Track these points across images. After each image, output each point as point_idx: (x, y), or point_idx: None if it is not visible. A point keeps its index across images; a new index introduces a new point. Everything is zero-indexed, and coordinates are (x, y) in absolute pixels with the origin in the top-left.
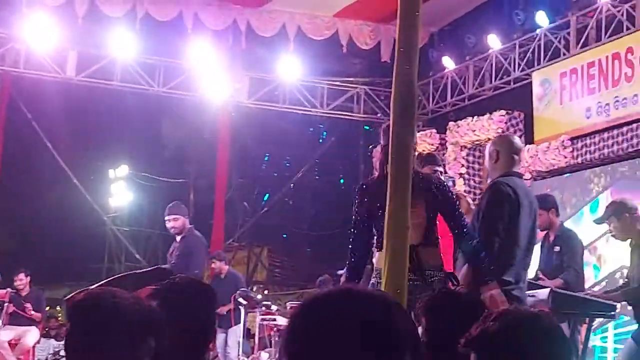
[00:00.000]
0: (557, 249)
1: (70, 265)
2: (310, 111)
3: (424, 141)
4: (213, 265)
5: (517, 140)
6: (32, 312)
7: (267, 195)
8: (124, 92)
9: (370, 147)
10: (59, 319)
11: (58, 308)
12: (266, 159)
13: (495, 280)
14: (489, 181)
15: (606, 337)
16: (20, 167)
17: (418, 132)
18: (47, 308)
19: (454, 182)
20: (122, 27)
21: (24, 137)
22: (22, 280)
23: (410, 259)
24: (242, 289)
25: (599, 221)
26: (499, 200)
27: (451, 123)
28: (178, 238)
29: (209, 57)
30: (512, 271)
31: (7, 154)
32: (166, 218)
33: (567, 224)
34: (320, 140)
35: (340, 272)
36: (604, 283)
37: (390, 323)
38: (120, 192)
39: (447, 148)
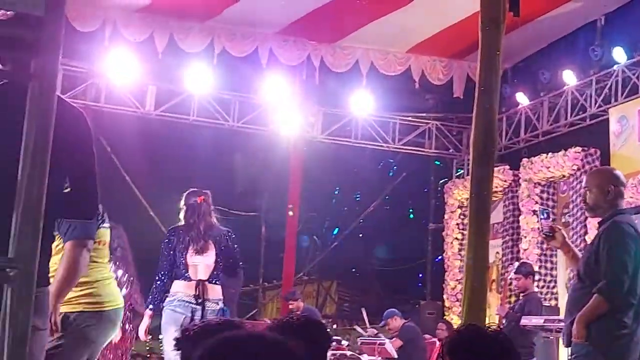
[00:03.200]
0: None
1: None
2: (382, 146)
3: (497, 177)
4: (291, 306)
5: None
6: None
7: (337, 229)
8: (199, 127)
9: (441, 182)
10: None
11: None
12: (336, 193)
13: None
14: (597, 218)
15: None
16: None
17: None
18: None
19: (547, 214)
20: (200, 63)
21: (103, 170)
22: None
23: None
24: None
25: None
26: (625, 240)
27: (524, 159)
28: None
29: (282, 92)
30: (634, 308)
31: None
32: None
33: None
34: (391, 175)
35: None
36: None
37: None
38: None
39: (520, 185)
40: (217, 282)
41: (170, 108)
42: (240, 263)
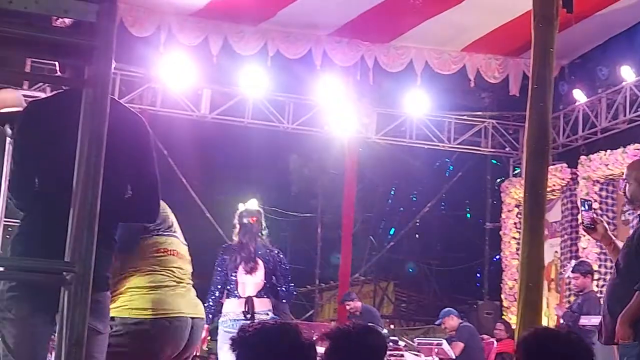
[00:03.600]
0: None
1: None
2: (437, 146)
3: (554, 175)
4: (348, 307)
5: None
6: None
7: (393, 229)
8: (254, 129)
9: (498, 181)
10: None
11: None
12: (392, 193)
13: None
14: (634, 213)
15: None
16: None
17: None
18: None
19: (589, 205)
20: (254, 65)
21: (160, 173)
22: None
23: None
24: (370, 324)
25: None
26: None
27: (583, 157)
28: None
29: (337, 93)
30: None
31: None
32: None
33: None
34: (447, 175)
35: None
36: None
37: None
38: None
39: (578, 183)
40: (265, 296)
41: (225, 111)
42: (290, 279)
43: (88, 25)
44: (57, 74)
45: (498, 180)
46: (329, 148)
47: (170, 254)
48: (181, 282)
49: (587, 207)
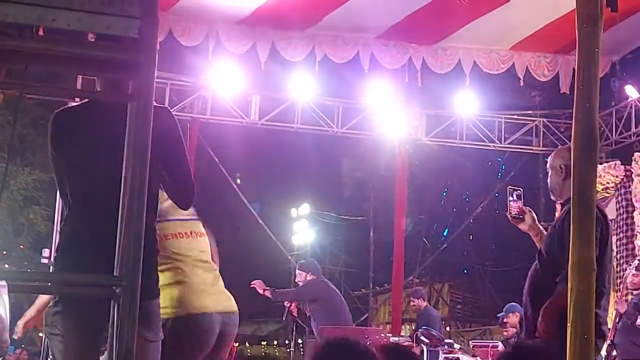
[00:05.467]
0: None
1: (256, 302)
2: (488, 146)
3: (608, 173)
4: (412, 304)
5: None
6: None
7: (447, 230)
8: (304, 134)
9: None
10: (249, 354)
11: (247, 344)
12: (444, 194)
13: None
14: (559, 200)
15: None
16: (208, 207)
17: (601, 163)
18: (236, 344)
19: (518, 195)
20: (302, 71)
21: (211, 179)
22: None
23: None
24: (424, 326)
25: None
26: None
27: (636, 154)
28: None
29: (385, 96)
30: (604, 297)
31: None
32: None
33: None
34: (499, 175)
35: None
36: None
37: None
38: (302, 230)
39: (632, 180)
40: None
41: (275, 117)
42: None
43: (130, 40)
44: (102, 89)
45: None
46: (379, 151)
47: (185, 236)
48: (205, 263)
49: (515, 196)
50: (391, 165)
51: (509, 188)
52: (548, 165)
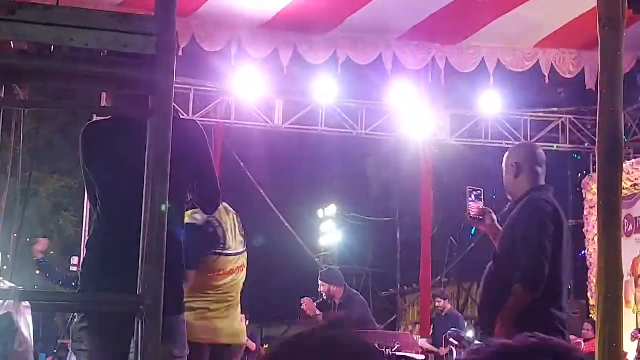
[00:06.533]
0: None
1: (285, 303)
2: (514, 145)
3: (636, 169)
4: (438, 304)
5: (540, 150)
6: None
7: (474, 229)
8: (328, 136)
9: (580, 176)
10: None
11: None
12: None
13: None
14: (513, 199)
15: None
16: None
17: (630, 159)
18: (265, 346)
19: (478, 195)
20: (325, 73)
21: (236, 183)
22: None
23: None
24: (454, 328)
25: None
26: (542, 219)
27: None
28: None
29: (409, 96)
30: (562, 296)
31: (222, 199)
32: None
33: None
34: None
35: None
36: None
37: None
38: (329, 231)
39: None
40: None
41: (298, 120)
42: None
43: (149, 57)
44: (123, 106)
45: (579, 175)
46: (404, 152)
47: (225, 275)
48: (229, 301)
49: (474, 197)
50: (416, 165)
51: (469, 188)
52: (503, 164)
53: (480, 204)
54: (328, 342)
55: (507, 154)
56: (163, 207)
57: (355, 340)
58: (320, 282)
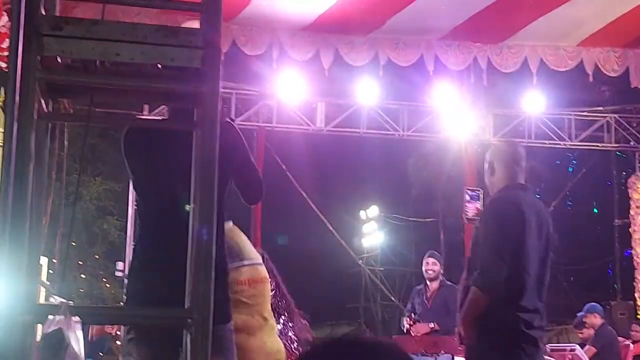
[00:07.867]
0: None
1: (329, 305)
2: (558, 144)
3: None
4: None
5: (519, 148)
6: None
7: None
8: (370, 138)
9: (625, 175)
10: None
11: None
12: None
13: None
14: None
15: None
16: (277, 214)
17: None
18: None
19: (476, 197)
20: (366, 75)
21: (279, 186)
22: None
23: None
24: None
25: None
26: (499, 220)
27: None
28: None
29: (451, 97)
30: (526, 297)
31: (266, 202)
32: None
33: None
34: (571, 171)
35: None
36: None
37: None
38: (372, 232)
39: None
40: None
41: (340, 123)
42: None
43: (194, 70)
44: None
45: (624, 174)
46: (447, 153)
47: (261, 282)
48: (265, 320)
49: (471, 198)
50: (459, 166)
51: (466, 189)
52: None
53: (478, 205)
54: (367, 348)
55: (490, 149)
56: (211, 219)
57: (393, 348)
58: (432, 260)
